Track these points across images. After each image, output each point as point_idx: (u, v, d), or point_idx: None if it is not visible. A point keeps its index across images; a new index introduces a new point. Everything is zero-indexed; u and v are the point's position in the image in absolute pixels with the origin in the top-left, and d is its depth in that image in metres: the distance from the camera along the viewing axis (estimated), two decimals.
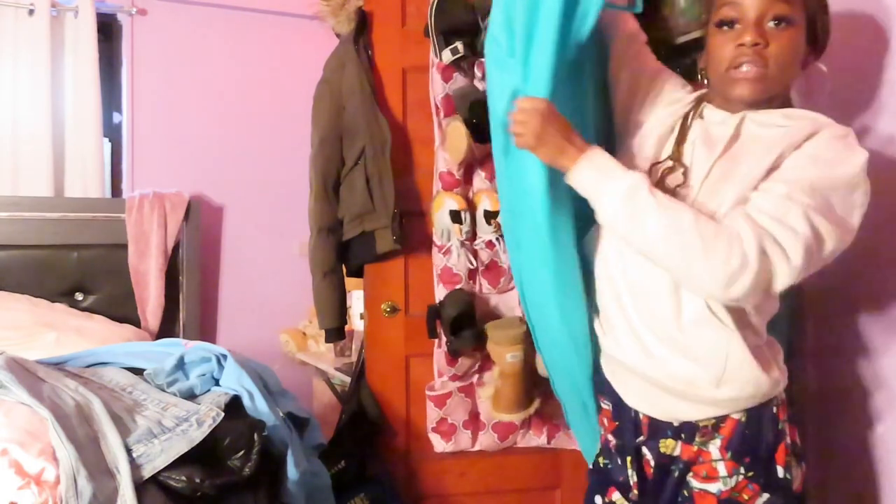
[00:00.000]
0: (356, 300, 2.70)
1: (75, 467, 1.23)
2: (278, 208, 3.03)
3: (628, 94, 1.41)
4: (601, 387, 1.42)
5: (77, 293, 2.61)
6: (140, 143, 2.87)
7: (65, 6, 2.69)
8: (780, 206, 1.06)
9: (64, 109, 2.70)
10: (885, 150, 1.42)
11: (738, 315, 1.16)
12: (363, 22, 2.14)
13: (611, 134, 1.44)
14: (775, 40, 1.13)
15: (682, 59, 2.09)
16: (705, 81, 1.29)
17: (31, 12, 2.61)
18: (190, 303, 2.79)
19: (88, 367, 1.79)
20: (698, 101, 1.31)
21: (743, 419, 1.18)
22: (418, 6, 2.09)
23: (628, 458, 1.32)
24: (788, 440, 1.19)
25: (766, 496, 1.15)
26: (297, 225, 2.73)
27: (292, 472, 1.52)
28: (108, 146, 2.89)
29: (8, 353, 1.67)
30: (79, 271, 2.59)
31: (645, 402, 1.29)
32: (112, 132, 2.97)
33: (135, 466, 1.28)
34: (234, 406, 1.53)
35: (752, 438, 1.17)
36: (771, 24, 1.14)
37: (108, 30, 2.89)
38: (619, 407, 1.35)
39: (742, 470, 1.16)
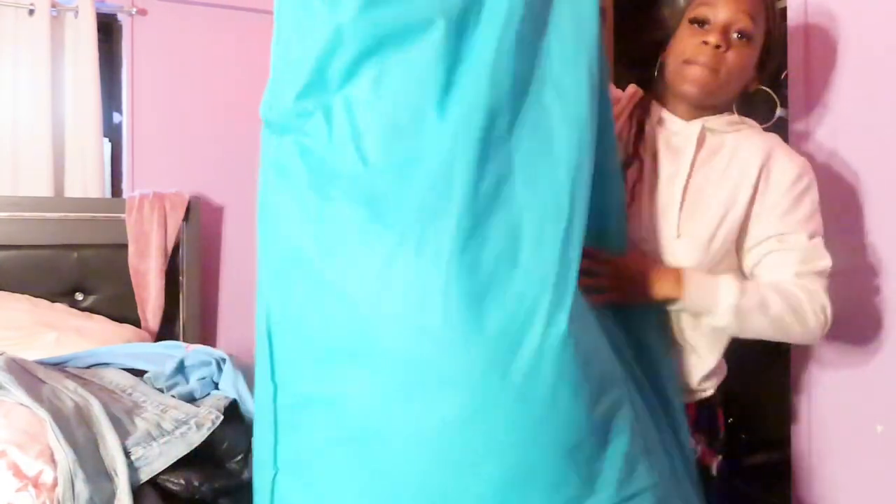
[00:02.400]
0: None
1: (73, 470, 1.23)
2: None
3: None
4: None
5: (77, 293, 2.61)
6: (140, 143, 2.86)
7: (65, 6, 2.69)
8: (811, 280, 1.25)
9: (64, 109, 2.70)
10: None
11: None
12: None
13: None
14: (734, 50, 1.25)
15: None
16: (655, 73, 1.37)
17: (31, 12, 2.61)
18: (190, 303, 2.79)
19: (89, 367, 1.79)
20: (646, 103, 1.35)
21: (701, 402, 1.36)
22: None
23: None
24: (721, 408, 1.39)
25: (719, 457, 1.35)
26: None
27: None
28: (108, 146, 2.88)
29: (8, 353, 1.67)
30: (79, 271, 2.59)
31: None
32: (112, 132, 2.97)
33: (133, 469, 1.28)
34: (233, 410, 1.53)
35: (708, 416, 1.36)
36: (735, 35, 1.25)
37: (108, 30, 2.88)
38: None
39: (706, 441, 1.34)
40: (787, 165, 1.28)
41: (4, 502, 1.21)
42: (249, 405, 1.57)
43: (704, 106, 1.31)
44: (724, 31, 1.24)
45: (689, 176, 1.28)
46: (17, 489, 1.22)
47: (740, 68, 1.27)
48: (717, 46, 1.23)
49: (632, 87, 1.42)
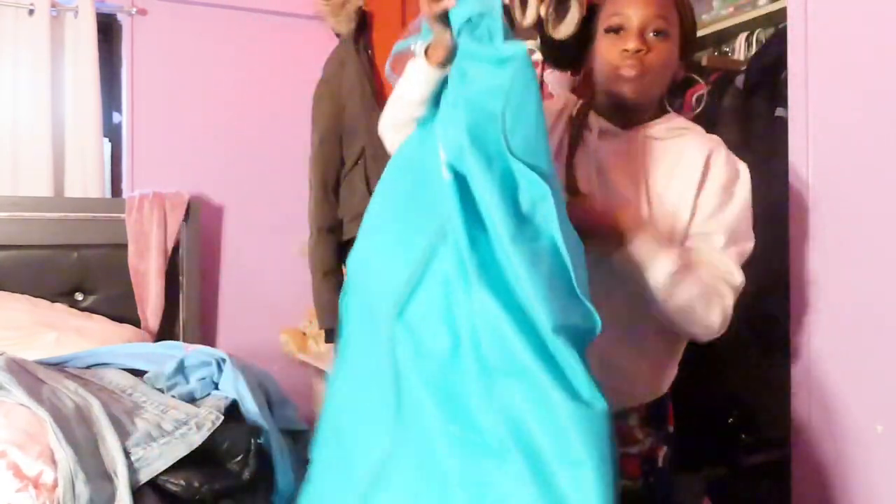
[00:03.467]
0: None
1: (73, 470, 1.23)
2: (278, 208, 3.03)
3: None
4: None
5: (77, 293, 2.61)
6: (140, 143, 2.86)
7: (65, 6, 2.69)
8: (724, 260, 1.27)
9: (64, 109, 2.70)
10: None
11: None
12: (363, 22, 2.15)
13: None
14: (655, 49, 1.29)
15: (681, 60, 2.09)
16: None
17: (31, 12, 2.61)
18: (190, 303, 2.79)
19: (89, 367, 1.79)
20: (582, 114, 1.37)
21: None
22: (418, 6, 2.09)
23: None
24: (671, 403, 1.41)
25: (665, 449, 1.37)
26: (297, 225, 2.73)
27: (281, 480, 1.52)
28: (108, 146, 2.88)
29: (8, 353, 1.67)
30: (79, 271, 2.59)
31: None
32: (112, 132, 2.97)
33: (133, 470, 1.29)
34: (233, 410, 1.53)
35: (657, 412, 1.37)
36: (651, 34, 1.29)
37: (108, 30, 2.88)
38: None
39: (654, 434, 1.35)
40: (722, 168, 1.32)
41: (4, 502, 1.21)
42: (249, 405, 1.57)
43: (640, 107, 1.34)
44: (641, 33, 1.28)
45: (647, 185, 1.31)
46: (18, 489, 1.23)
47: (664, 64, 1.31)
48: (639, 50, 1.27)
49: (562, 99, 1.45)
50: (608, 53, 1.31)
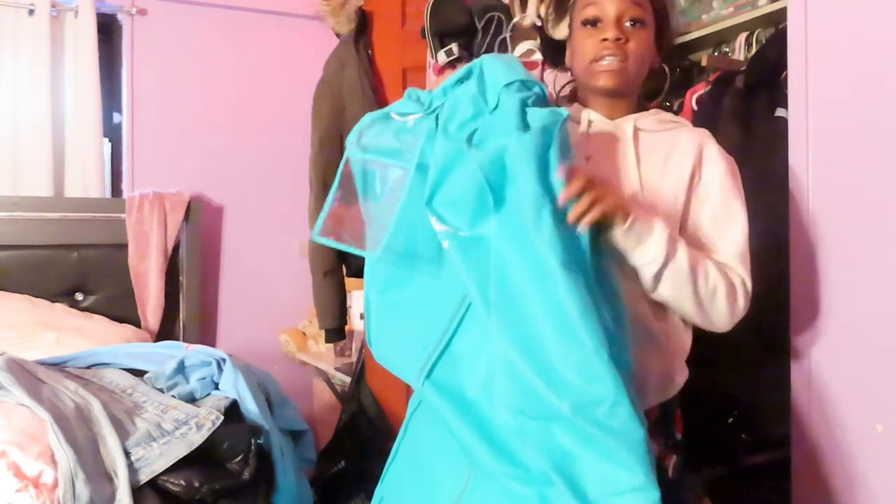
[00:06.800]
0: (356, 300, 2.70)
1: (73, 470, 1.23)
2: (278, 208, 3.03)
3: None
4: None
5: (77, 293, 2.61)
6: (140, 143, 2.87)
7: (65, 6, 2.69)
8: (738, 259, 1.28)
9: (64, 109, 2.70)
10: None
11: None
12: (363, 22, 2.15)
13: None
14: (633, 38, 1.30)
15: (681, 60, 2.09)
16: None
17: (31, 12, 2.61)
18: (190, 303, 2.79)
19: (89, 367, 1.79)
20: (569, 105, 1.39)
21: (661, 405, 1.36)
22: (418, 6, 2.10)
23: None
24: (679, 410, 1.39)
25: (675, 458, 1.36)
26: (297, 225, 2.73)
27: (282, 480, 1.52)
28: (108, 146, 2.88)
29: (8, 353, 1.67)
30: (79, 271, 2.59)
31: None
32: (112, 132, 2.97)
33: (133, 470, 1.28)
34: (233, 410, 1.52)
35: (666, 418, 1.37)
36: (628, 24, 1.31)
37: (108, 30, 2.88)
38: None
39: (663, 442, 1.34)
40: (717, 159, 1.33)
41: (5, 502, 1.21)
42: (249, 405, 1.57)
43: (622, 95, 1.35)
44: (618, 23, 1.30)
45: (640, 173, 1.31)
46: (18, 489, 1.23)
47: (642, 52, 1.33)
48: (618, 39, 1.29)
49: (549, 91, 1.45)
50: (585, 46, 1.32)
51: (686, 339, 1.36)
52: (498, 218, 1.08)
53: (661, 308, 1.29)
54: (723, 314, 1.26)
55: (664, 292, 1.23)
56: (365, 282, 1.25)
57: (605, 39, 1.29)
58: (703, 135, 1.36)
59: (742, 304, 1.26)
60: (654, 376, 1.31)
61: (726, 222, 1.30)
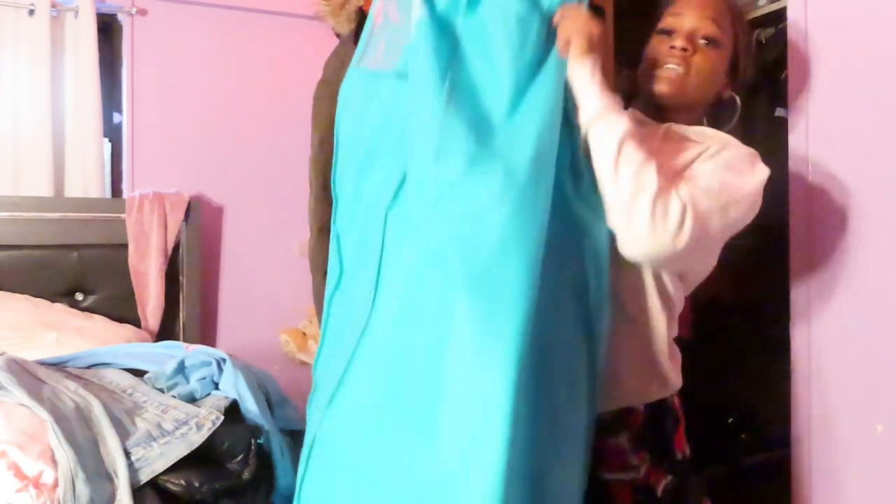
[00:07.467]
0: None
1: (74, 470, 1.24)
2: (278, 208, 3.03)
3: None
4: None
5: (77, 293, 2.61)
6: (140, 143, 2.86)
7: (65, 6, 2.69)
8: (698, 192, 1.15)
9: (64, 109, 2.70)
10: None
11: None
12: (363, 22, 2.14)
13: None
14: (701, 53, 1.29)
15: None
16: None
17: (31, 12, 2.61)
18: (190, 303, 2.79)
19: (89, 367, 1.79)
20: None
21: (646, 411, 1.27)
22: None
23: None
24: (683, 425, 1.32)
25: (668, 478, 1.28)
26: (297, 225, 2.72)
27: (281, 480, 1.52)
28: (108, 146, 2.88)
29: (8, 353, 1.67)
30: (79, 271, 2.59)
31: None
32: (112, 132, 2.97)
33: (133, 470, 1.29)
34: (233, 410, 1.53)
35: (655, 429, 1.28)
36: (701, 40, 1.30)
37: (108, 30, 2.88)
38: None
39: (649, 458, 1.27)
40: (735, 150, 1.25)
41: (5, 502, 1.21)
42: (249, 405, 1.57)
43: (676, 109, 1.33)
44: (690, 36, 1.29)
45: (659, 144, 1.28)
46: (18, 489, 1.23)
47: (709, 70, 1.31)
48: (684, 49, 1.28)
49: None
50: (654, 50, 1.32)
51: (663, 324, 1.26)
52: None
53: (637, 289, 1.24)
54: (643, 223, 1.08)
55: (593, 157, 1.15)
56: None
57: (673, 47, 1.28)
58: (730, 138, 1.30)
59: (673, 227, 1.08)
60: (634, 363, 1.25)
61: (702, 178, 1.19)
